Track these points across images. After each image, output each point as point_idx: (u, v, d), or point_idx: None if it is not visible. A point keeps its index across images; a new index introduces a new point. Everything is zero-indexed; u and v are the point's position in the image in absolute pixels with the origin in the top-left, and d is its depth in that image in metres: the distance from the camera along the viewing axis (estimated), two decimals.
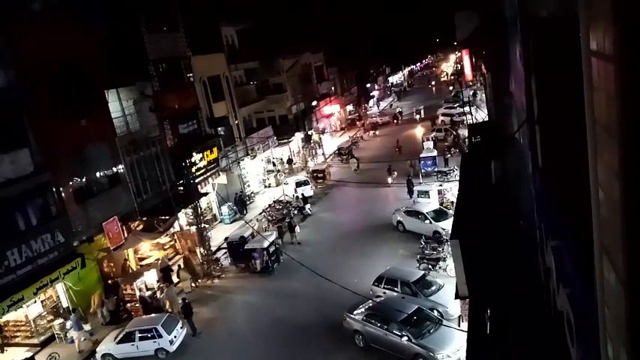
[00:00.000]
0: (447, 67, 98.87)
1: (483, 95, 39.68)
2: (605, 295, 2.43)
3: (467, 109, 38.14)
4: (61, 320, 19.46)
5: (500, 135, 12.67)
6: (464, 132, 36.97)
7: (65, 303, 20.14)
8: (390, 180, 32.52)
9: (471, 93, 52.05)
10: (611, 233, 2.15)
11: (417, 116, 55.81)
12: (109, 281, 21.62)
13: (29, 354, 17.77)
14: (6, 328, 19.25)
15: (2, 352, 18.46)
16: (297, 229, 25.65)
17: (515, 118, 8.42)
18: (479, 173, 12.23)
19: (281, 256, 23.32)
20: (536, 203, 6.02)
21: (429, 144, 37.46)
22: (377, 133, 52.29)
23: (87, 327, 19.49)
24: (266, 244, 22.48)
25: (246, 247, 23.16)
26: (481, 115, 35.50)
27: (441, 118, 49.05)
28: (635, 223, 1.91)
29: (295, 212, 29.45)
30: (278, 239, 24.31)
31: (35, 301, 18.76)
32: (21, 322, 19.18)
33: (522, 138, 7.74)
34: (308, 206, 29.96)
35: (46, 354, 16.91)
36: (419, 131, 47.60)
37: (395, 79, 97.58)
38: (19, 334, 19.35)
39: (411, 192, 29.19)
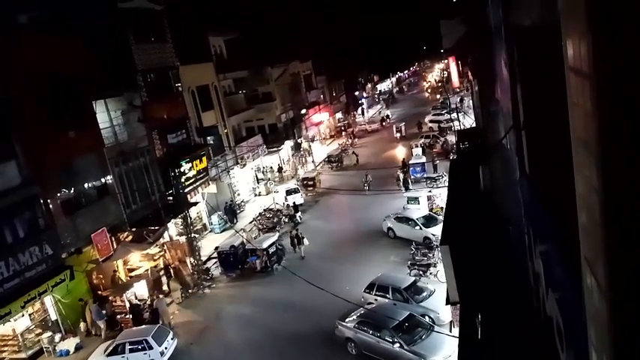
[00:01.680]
0: (432, 76, 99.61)
1: (471, 102, 40.06)
2: (588, 305, 2.46)
3: (454, 115, 38.50)
4: (49, 333, 19.20)
5: (487, 141, 12.79)
6: (452, 138, 37.26)
7: (54, 316, 19.87)
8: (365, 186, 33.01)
9: (458, 99, 52.52)
10: (592, 246, 2.18)
11: (398, 134, 47.71)
12: (100, 292, 21.39)
13: None
14: None
15: None
16: (306, 241, 24.29)
17: (502, 125, 8.52)
18: (467, 179, 12.33)
19: (283, 257, 24.07)
20: (524, 208, 6.09)
21: (418, 150, 37.70)
22: (356, 141, 52.19)
23: (76, 340, 19.25)
24: (265, 244, 23.32)
25: (246, 247, 23.96)
26: (469, 121, 35.81)
27: (429, 124, 49.40)
28: (613, 237, 1.94)
29: (286, 220, 29.41)
30: (281, 240, 25.07)
31: (23, 315, 18.48)
32: (8, 337, 18.87)
33: (509, 144, 7.84)
34: (299, 214, 29.92)
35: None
36: (400, 152, 41.05)
37: (383, 86, 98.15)
38: (6, 348, 19.02)
39: (406, 186, 31.30)
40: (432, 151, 38.95)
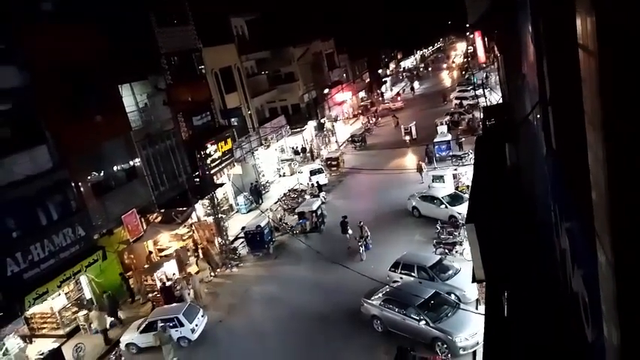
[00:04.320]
0: (456, 55, 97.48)
1: (497, 78, 39.19)
2: (599, 277, 2.49)
3: (480, 91, 37.76)
4: (84, 312, 19.94)
5: (513, 117, 12.56)
6: (478, 115, 36.65)
7: (88, 295, 20.61)
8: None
9: (484, 75, 51.41)
10: (600, 218, 2.19)
11: (407, 137, 40.11)
12: (127, 274, 22.07)
13: (56, 345, 18.27)
14: (33, 320, 19.77)
15: (31, 342, 18.96)
16: (350, 231, 23.13)
17: (529, 100, 8.36)
18: (493, 156, 12.16)
19: (325, 219, 26.47)
20: (550, 185, 6.01)
21: (443, 128, 37.22)
22: (380, 120, 52.08)
23: (109, 318, 19.93)
24: (314, 206, 26.02)
25: (297, 211, 26.79)
26: (495, 97, 35.10)
27: (454, 101, 48.62)
28: (618, 209, 1.94)
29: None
30: (323, 204, 27.57)
31: (59, 294, 19.21)
32: (47, 314, 19.68)
33: (535, 120, 7.70)
34: (323, 194, 30.05)
35: (72, 345, 17.35)
36: (409, 161, 35.67)
37: (407, 63, 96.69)
38: (45, 325, 19.87)
39: (430, 160, 32.14)
40: (458, 129, 38.39)
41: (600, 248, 2.31)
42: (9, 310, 16.11)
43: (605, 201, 2.04)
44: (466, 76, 61.50)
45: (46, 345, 18.43)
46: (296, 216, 27.97)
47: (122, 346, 18.07)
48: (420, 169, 29.94)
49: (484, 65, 56.42)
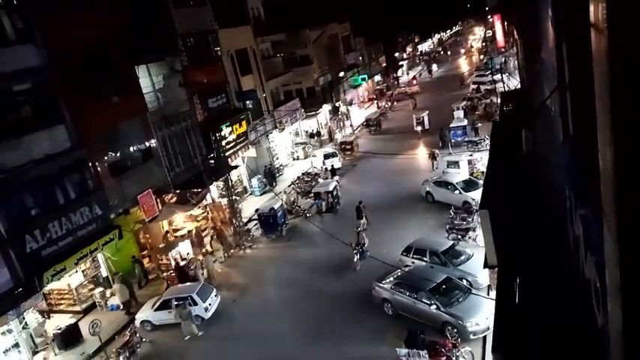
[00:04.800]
0: (474, 39, 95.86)
1: (516, 62, 38.56)
2: (605, 258, 2.52)
3: (498, 76, 37.23)
4: (101, 289, 20.38)
5: (531, 103, 12.40)
6: (495, 100, 36.19)
7: (105, 273, 21.03)
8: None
9: (503, 60, 50.60)
10: (607, 197, 2.21)
11: (419, 128, 37.95)
12: (142, 253, 22.42)
13: (73, 320, 18.74)
14: (51, 296, 20.27)
15: (49, 318, 19.47)
16: (364, 219, 23.19)
17: (547, 86, 8.25)
18: (509, 142, 12.04)
19: (340, 200, 26.89)
20: (566, 172, 5.97)
21: (460, 113, 36.84)
22: (395, 105, 51.76)
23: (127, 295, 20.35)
24: (330, 187, 26.62)
25: (313, 191, 27.46)
26: (514, 82, 34.59)
27: (471, 86, 48.04)
28: (624, 189, 1.95)
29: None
30: (339, 185, 27.91)
31: (77, 271, 19.63)
32: (64, 291, 20.15)
33: (553, 106, 7.60)
34: (336, 178, 30.07)
35: (89, 321, 17.77)
36: (421, 154, 33.65)
37: (424, 47, 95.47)
38: (62, 301, 20.37)
39: (444, 143, 32.02)
40: (474, 114, 37.98)
41: (607, 228, 2.33)
42: (28, 286, 16.52)
43: (611, 180, 2.05)
44: (484, 61, 60.60)
45: (64, 320, 18.90)
46: (309, 199, 28.16)
47: (137, 323, 18.46)
48: (432, 157, 29.53)
49: (503, 50, 55.61)
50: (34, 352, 17.82)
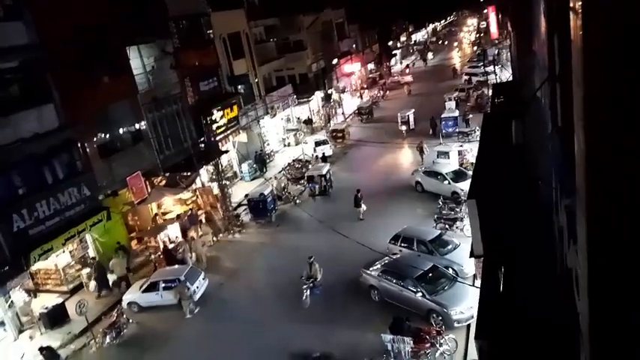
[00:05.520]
0: (469, 30, 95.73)
1: (509, 54, 38.66)
2: (578, 237, 2.62)
3: (491, 68, 37.33)
4: (88, 270, 20.33)
5: (522, 95, 12.48)
6: (487, 92, 36.33)
7: (92, 253, 20.96)
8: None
9: (496, 52, 50.68)
10: (579, 179, 2.28)
11: (403, 127, 35.24)
12: (130, 235, 22.33)
13: (59, 300, 18.72)
14: (37, 276, 20.20)
15: (35, 297, 19.44)
16: (364, 206, 23.18)
17: (538, 78, 8.31)
18: (499, 134, 12.14)
19: (333, 183, 27.35)
20: (554, 163, 6.05)
21: (451, 104, 36.93)
22: (388, 94, 51.70)
23: (112, 277, 20.35)
24: (324, 171, 27.05)
25: (306, 175, 27.75)
26: (506, 75, 34.70)
27: (464, 77, 48.13)
28: (593, 169, 2.02)
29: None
30: (331, 170, 28.03)
31: (64, 251, 19.55)
32: (51, 271, 20.07)
33: (543, 97, 7.68)
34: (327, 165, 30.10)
35: (75, 301, 17.76)
36: (405, 156, 31.90)
37: (418, 36, 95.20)
38: (49, 281, 20.30)
39: (434, 132, 32.57)
40: (466, 105, 38.09)
41: (579, 210, 2.43)
42: (15, 265, 16.45)
43: (583, 160, 2.12)
44: (477, 52, 60.67)
45: (50, 300, 18.87)
46: (299, 186, 28.22)
47: (124, 304, 18.48)
48: (420, 150, 29.01)
49: (496, 41, 55.69)
50: (20, 331, 17.83)
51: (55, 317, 17.97)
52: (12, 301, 17.81)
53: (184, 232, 22.81)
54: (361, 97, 50.14)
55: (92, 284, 19.81)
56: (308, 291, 17.08)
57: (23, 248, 16.62)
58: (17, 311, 18.08)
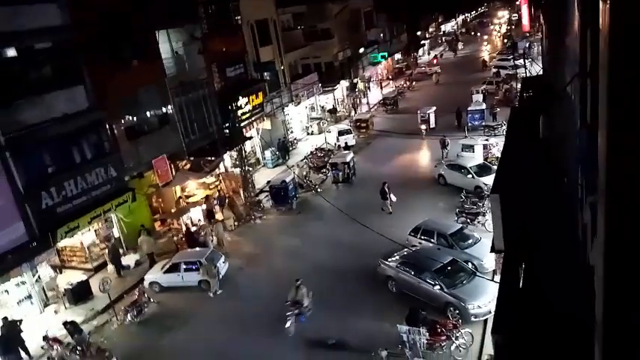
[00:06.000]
0: (500, 22, 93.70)
1: (540, 48, 37.82)
2: (597, 225, 2.61)
3: (521, 61, 36.58)
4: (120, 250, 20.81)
5: (551, 90, 12.24)
6: (516, 85, 35.66)
7: (117, 233, 21.44)
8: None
9: (527, 45, 49.59)
10: (601, 173, 2.26)
11: (423, 126, 33.54)
12: (155, 217, 22.71)
13: (84, 277, 19.24)
14: (63, 253, 20.77)
15: (61, 273, 20.03)
16: (393, 197, 22.76)
17: (569, 73, 8.14)
18: (527, 128, 11.95)
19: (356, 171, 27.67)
20: (580, 160, 5.95)
21: (479, 97, 36.38)
22: (414, 85, 51.02)
23: (135, 256, 20.84)
24: (347, 158, 27.27)
25: (330, 161, 28.04)
26: (536, 69, 33.99)
27: (492, 70, 47.28)
28: (614, 163, 1.99)
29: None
30: (354, 158, 28.28)
31: (89, 230, 20.05)
32: (76, 248, 20.62)
33: (573, 93, 7.53)
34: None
35: (99, 278, 18.25)
36: (428, 149, 31.20)
37: (448, 27, 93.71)
38: (74, 258, 20.87)
39: (459, 124, 32.69)
40: (494, 98, 37.48)
41: (600, 206, 2.41)
42: (42, 241, 16.95)
43: (604, 150, 2.10)
44: (507, 45, 59.46)
45: (75, 276, 19.41)
46: (321, 174, 28.28)
47: (146, 284, 18.90)
48: (443, 145, 28.33)
49: (528, 34, 54.47)
50: (46, 305, 18.41)
51: (79, 293, 18.52)
52: (39, 276, 18.39)
53: (210, 213, 23.12)
54: (381, 88, 49.60)
55: (110, 267, 20.24)
56: (292, 317, 15.22)
57: (51, 225, 17.11)
58: (43, 286, 18.68)
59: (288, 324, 15.09)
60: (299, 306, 15.40)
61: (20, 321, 16.03)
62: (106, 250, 20.48)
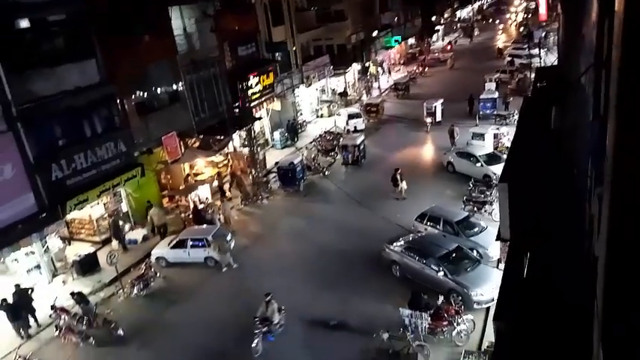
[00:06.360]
0: (516, 10, 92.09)
1: (556, 38, 37.26)
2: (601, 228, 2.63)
3: (536, 51, 36.12)
4: (120, 223, 21.07)
5: (565, 80, 12.11)
6: (529, 75, 35.24)
7: (125, 208, 21.66)
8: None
9: (543, 34, 48.83)
10: (607, 164, 2.27)
11: (429, 119, 31.98)
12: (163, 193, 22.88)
13: (92, 249, 19.52)
14: (72, 225, 21.04)
15: (69, 244, 20.33)
16: (404, 185, 22.55)
17: (584, 63, 8.06)
18: (538, 119, 11.87)
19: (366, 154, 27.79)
20: (591, 151, 5.93)
21: (491, 85, 36.03)
22: (427, 71, 50.47)
23: (143, 231, 21.07)
24: (358, 141, 27.42)
25: (341, 144, 28.24)
26: (551, 58, 33.55)
27: (507, 58, 46.71)
28: (620, 155, 2.01)
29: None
30: (364, 140, 28.31)
31: (98, 203, 20.26)
32: (85, 221, 20.88)
33: (587, 84, 7.46)
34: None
35: (107, 251, 18.52)
36: (438, 136, 30.17)
37: (463, 13, 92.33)
38: (83, 231, 21.15)
39: (471, 110, 32.60)
40: (507, 87, 37.11)
41: (605, 193, 2.45)
42: (51, 212, 17.18)
43: (612, 140, 2.12)
44: (523, 33, 58.57)
45: (83, 248, 19.70)
46: (329, 158, 28.29)
47: (152, 258, 19.14)
48: (451, 135, 27.86)
49: (544, 23, 53.59)
50: (54, 275, 18.74)
51: (87, 265, 18.82)
52: (48, 247, 18.68)
53: (222, 190, 23.33)
54: (389, 74, 49.10)
55: (114, 243, 20.40)
56: (260, 336, 13.86)
57: (60, 197, 17.32)
58: (52, 257, 18.97)
59: (254, 343, 13.69)
60: (268, 323, 14.04)
61: (32, 289, 16.37)
62: (108, 227, 20.66)
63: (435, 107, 32.45)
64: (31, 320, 16.07)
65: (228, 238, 19.29)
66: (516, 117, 26.54)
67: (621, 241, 2.27)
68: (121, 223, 21.01)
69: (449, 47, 59.87)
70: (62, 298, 16.79)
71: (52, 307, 15.85)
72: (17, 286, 16.16)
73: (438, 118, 32.47)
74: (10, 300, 15.76)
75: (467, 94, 34.29)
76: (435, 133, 30.75)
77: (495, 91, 34.48)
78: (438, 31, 71.05)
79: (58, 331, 15.32)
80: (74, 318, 15.45)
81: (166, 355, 14.43)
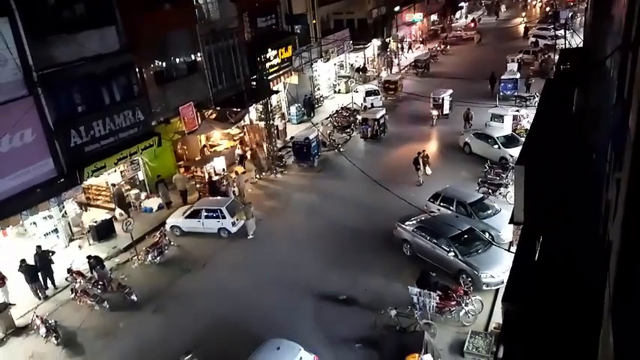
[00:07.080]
0: None
1: (583, 19, 36.19)
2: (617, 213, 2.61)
3: (561, 32, 35.18)
4: (136, 191, 21.36)
5: (589, 62, 11.82)
6: (553, 57, 34.44)
7: (141, 176, 21.92)
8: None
9: (569, 15, 47.47)
10: (627, 148, 2.24)
11: (435, 112, 29.25)
12: (179, 163, 23.04)
13: (108, 216, 19.86)
14: (89, 191, 21.39)
15: (86, 210, 20.71)
16: (428, 170, 22.35)
17: (611, 45, 7.85)
18: (560, 102, 11.64)
19: (386, 129, 27.97)
20: (612, 135, 5.82)
21: (513, 66, 35.31)
22: (448, 49, 49.41)
23: (158, 200, 21.35)
24: (378, 115, 27.52)
25: (361, 117, 28.32)
26: (577, 40, 32.67)
27: (531, 39, 45.60)
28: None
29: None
30: (385, 115, 28.26)
31: (115, 171, 20.53)
32: (102, 188, 21.20)
33: (612, 68, 7.28)
34: None
35: (122, 219, 18.83)
36: (455, 116, 28.88)
37: None
38: (100, 197, 21.50)
39: (492, 90, 32.22)
40: (529, 69, 36.33)
41: (623, 178, 2.42)
42: (69, 178, 17.47)
43: (634, 125, 2.08)
44: (549, 13, 56.97)
45: (100, 215, 20.05)
46: (344, 134, 28.17)
47: (167, 227, 19.43)
48: (466, 118, 27.11)
49: (572, 3, 52.05)
50: (71, 240, 19.15)
51: (103, 231, 19.18)
52: (65, 212, 19.04)
53: (242, 158, 24.01)
54: (407, 50, 48.09)
55: (117, 211, 20.50)
56: None
57: (78, 163, 17.57)
58: (69, 221, 19.36)
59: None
60: None
61: (53, 252, 16.79)
62: (112, 198, 20.88)
63: (443, 99, 29.62)
64: (49, 282, 16.52)
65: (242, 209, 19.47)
66: (537, 99, 26.10)
67: (637, 225, 2.25)
68: (136, 191, 21.32)
69: (472, 25, 58.56)
70: (78, 262, 17.19)
71: (69, 271, 16.26)
72: (39, 247, 16.59)
73: (446, 110, 29.84)
74: (31, 261, 16.19)
75: (488, 74, 33.66)
76: (453, 114, 30.27)
77: (517, 72, 33.80)
78: (462, 8, 69.43)
79: (73, 294, 15.73)
80: (90, 282, 15.85)
81: (178, 321, 14.76)
